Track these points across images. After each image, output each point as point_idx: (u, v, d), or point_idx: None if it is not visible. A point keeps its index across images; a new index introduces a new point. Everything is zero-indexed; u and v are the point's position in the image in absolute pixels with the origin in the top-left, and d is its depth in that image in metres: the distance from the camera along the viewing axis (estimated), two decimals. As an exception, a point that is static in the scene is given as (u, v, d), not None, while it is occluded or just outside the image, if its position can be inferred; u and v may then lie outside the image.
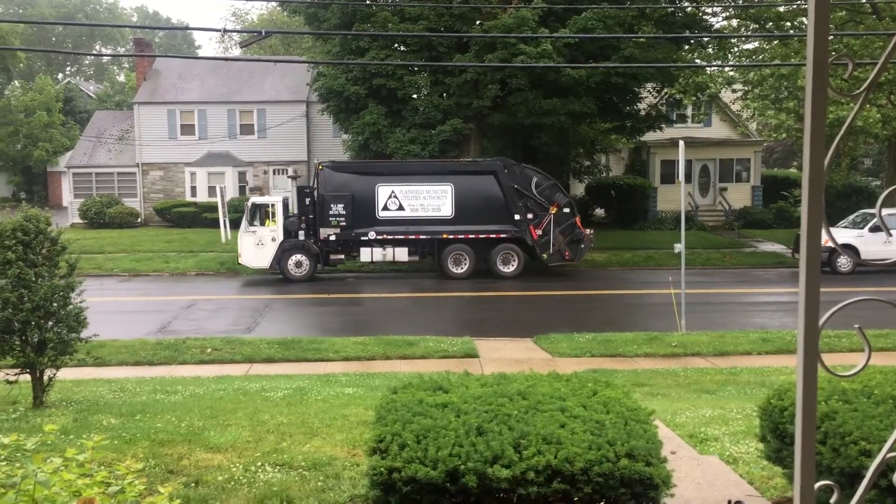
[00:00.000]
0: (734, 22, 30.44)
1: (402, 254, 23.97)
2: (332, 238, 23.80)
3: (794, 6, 26.81)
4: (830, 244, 23.47)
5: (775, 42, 27.32)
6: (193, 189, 39.01)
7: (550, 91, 25.95)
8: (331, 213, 23.65)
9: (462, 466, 4.48)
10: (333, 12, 25.92)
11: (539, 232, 24.02)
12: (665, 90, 33.01)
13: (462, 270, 24.02)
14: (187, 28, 77.60)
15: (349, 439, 7.62)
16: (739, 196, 36.72)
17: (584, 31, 24.08)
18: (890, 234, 2.73)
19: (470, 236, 24.00)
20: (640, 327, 16.20)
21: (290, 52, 56.54)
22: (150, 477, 6.26)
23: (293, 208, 24.79)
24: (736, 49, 29.88)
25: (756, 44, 29.85)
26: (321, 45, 31.02)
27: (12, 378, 9.20)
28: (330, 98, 27.68)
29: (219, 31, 27.52)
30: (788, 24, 27.60)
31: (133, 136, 40.53)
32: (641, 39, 25.02)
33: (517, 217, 23.93)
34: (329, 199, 23.62)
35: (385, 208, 23.83)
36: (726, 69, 30.12)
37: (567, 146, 34.31)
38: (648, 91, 32.80)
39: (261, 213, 24.10)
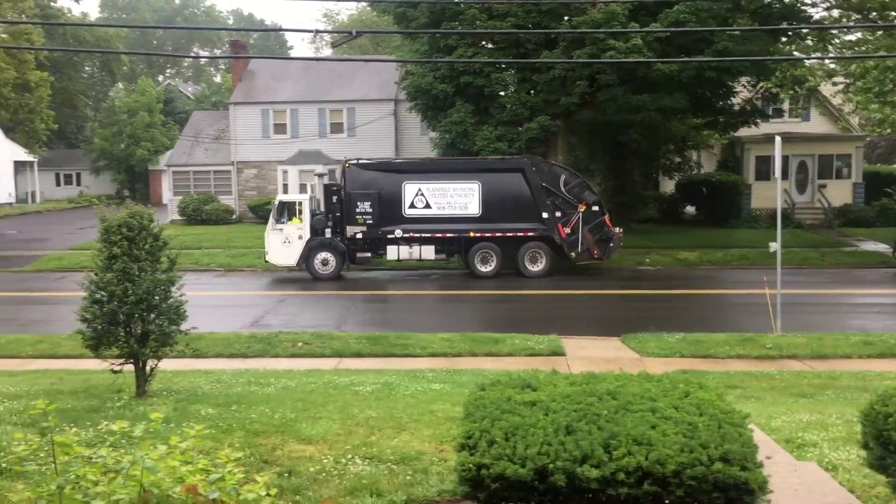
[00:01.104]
0: (835, 12, 29.22)
1: (428, 252, 23.75)
2: (359, 236, 23.75)
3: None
4: None
5: (879, 33, 26.09)
6: (285, 187, 39.93)
7: (640, 87, 25.50)
8: (357, 211, 23.59)
9: (551, 465, 4.46)
10: (422, 11, 26.11)
11: (567, 230, 23.56)
12: (761, 84, 31.98)
13: (489, 269, 23.68)
14: (280, 30, 79.57)
15: (437, 435, 7.68)
16: (839, 193, 35.28)
17: (676, 24, 23.55)
18: None
19: (497, 234, 23.67)
20: (733, 328, 15.77)
21: (379, 51, 57.31)
22: (246, 466, 6.46)
23: (321, 207, 24.78)
24: (837, 40, 28.69)
25: (859, 34, 28.59)
26: (409, 44, 31.32)
27: (117, 368, 9.62)
28: (418, 96, 27.92)
29: (310, 31, 27.98)
30: (894, 13, 26.33)
31: (228, 135, 41.82)
32: (736, 32, 24.30)
33: (545, 215, 23.53)
34: (356, 196, 23.58)
35: (412, 206, 23.69)
36: (826, 61, 28.95)
37: (657, 143, 33.62)
38: (743, 85, 31.84)
39: (288, 211, 24.06)
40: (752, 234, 29.47)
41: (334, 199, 24.07)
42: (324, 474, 6.57)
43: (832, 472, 6.75)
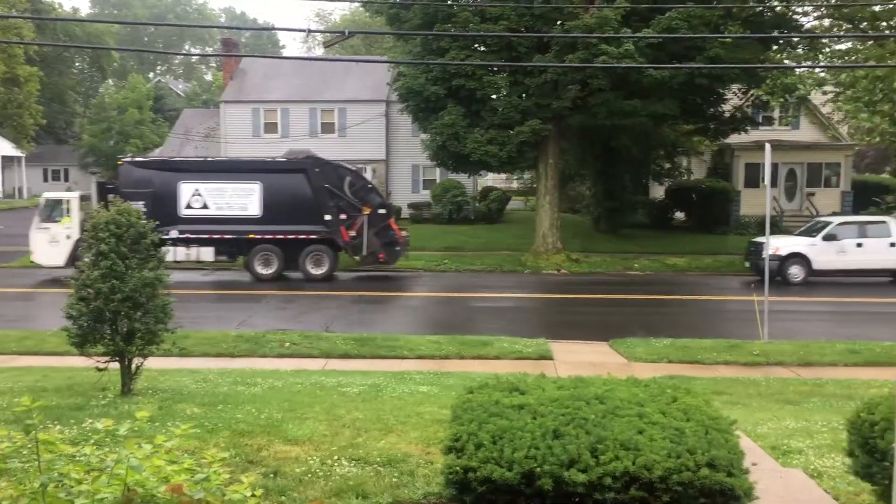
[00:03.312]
0: (826, 22, 29.37)
1: (207, 253, 23.38)
2: None
3: (892, 5, 25.73)
4: (780, 252, 22.77)
5: (870, 42, 26.26)
6: (275, 186, 39.87)
7: (632, 92, 25.58)
8: None
9: (538, 469, 4.46)
10: (415, 13, 26.11)
11: (352, 233, 23.39)
12: (751, 92, 32.11)
13: (270, 271, 23.41)
14: (272, 28, 79.47)
15: (423, 437, 7.67)
16: (828, 201, 35.49)
17: (668, 30, 23.64)
18: None
19: (279, 236, 23.39)
20: (720, 334, 15.83)
21: (372, 52, 57.28)
22: (232, 466, 6.42)
23: (95, 206, 23.86)
24: (827, 49, 28.85)
25: (849, 44, 28.76)
26: (402, 46, 31.32)
27: (102, 365, 9.56)
28: (409, 98, 27.91)
29: (303, 31, 28.09)
30: (884, 24, 26.49)
31: (219, 133, 41.70)
32: (728, 39, 24.37)
33: (328, 217, 23.34)
34: (128, 195, 22.24)
35: (188, 206, 23.27)
36: (817, 70, 29.09)
37: (647, 148, 33.76)
38: (734, 92, 31.99)
39: (56, 210, 23.38)
40: (741, 241, 29.52)
41: (110, 197, 23.30)
42: (310, 475, 6.54)
43: (817, 479, 6.77)
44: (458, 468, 4.60)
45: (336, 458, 6.97)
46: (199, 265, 24.35)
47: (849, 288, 22.80)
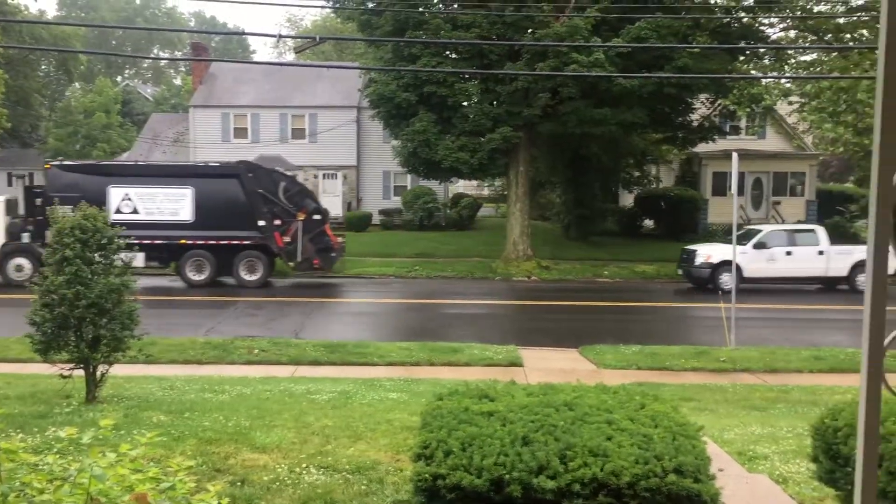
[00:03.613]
0: (791, 33, 29.86)
1: (138, 259, 22.92)
2: None
3: (854, 18, 26.22)
4: (712, 260, 23.09)
5: (834, 54, 26.74)
6: (245, 192, 39.60)
7: (602, 101, 25.79)
8: None
9: (507, 476, 4.46)
10: (386, 19, 26.12)
11: (286, 239, 23.27)
12: (719, 101, 32.55)
13: (202, 277, 23.21)
14: (243, 33, 78.98)
15: (393, 444, 7.64)
16: (793, 210, 36.02)
17: (638, 40, 23.89)
18: None
19: (211, 242, 23.20)
20: (689, 341, 15.98)
21: (343, 58, 57.14)
22: (198, 475, 6.35)
23: (21, 210, 23.95)
24: (793, 60, 29.33)
25: (814, 55, 29.26)
26: (373, 52, 31.29)
27: (66, 373, 9.42)
28: (381, 104, 27.89)
29: (274, 36, 28.00)
30: (848, 35, 26.99)
31: (188, 138, 41.33)
32: (696, 50, 24.71)
33: (262, 223, 23.15)
34: (55, 199, 22.58)
35: (118, 211, 22.75)
36: (782, 81, 29.57)
37: (617, 156, 34.05)
38: (702, 102, 32.40)
39: None
40: (708, 249, 29.91)
41: (38, 202, 22.94)
42: (277, 483, 6.49)
43: (783, 485, 6.85)
44: (427, 475, 4.59)
45: (305, 465, 6.92)
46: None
47: (809, 295, 23.14)
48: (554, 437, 4.77)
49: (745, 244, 23.52)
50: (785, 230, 24.70)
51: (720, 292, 22.26)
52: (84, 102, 55.68)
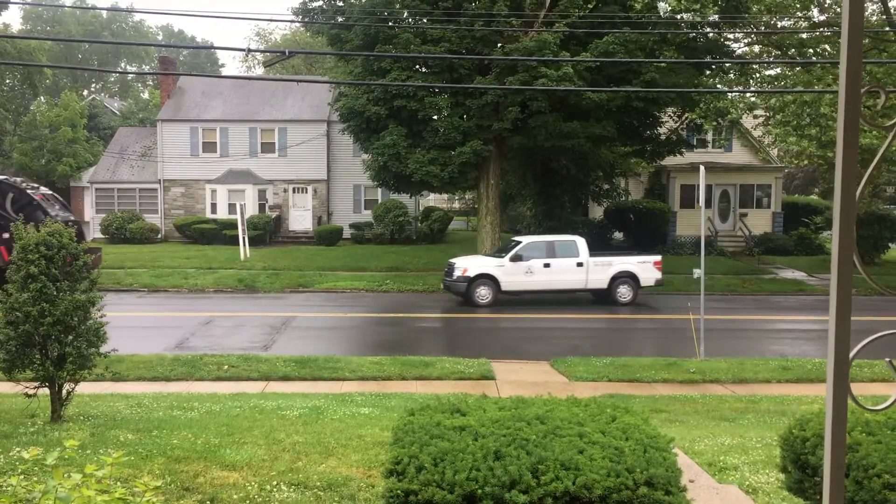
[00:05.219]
0: (756, 48, 30.40)
1: None
2: None
3: (817, 33, 26.75)
4: (469, 273, 22.90)
5: (797, 68, 27.25)
6: (214, 206, 39.32)
7: (571, 114, 26.00)
8: None
9: (479, 491, 4.44)
10: (356, 33, 26.14)
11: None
12: (686, 115, 33.01)
13: None
14: (211, 47, 78.48)
15: (365, 460, 7.59)
16: (760, 222, 36.51)
17: (606, 55, 24.13)
18: None
19: None
20: (659, 352, 16.09)
21: (313, 72, 57.06)
22: (167, 494, 6.25)
23: None
24: (758, 75, 29.84)
25: (778, 70, 29.79)
26: (343, 66, 31.28)
27: (31, 392, 9.24)
28: (351, 118, 27.86)
29: (243, 50, 27.81)
30: (811, 50, 27.53)
31: (155, 152, 40.98)
32: (663, 64, 25.05)
33: None
34: None
35: None
36: (748, 95, 30.06)
37: (586, 169, 34.28)
38: (669, 115, 32.80)
39: None
40: (677, 261, 30.20)
41: None
42: (248, 502, 6.40)
43: (752, 495, 6.90)
44: (399, 491, 4.55)
45: (275, 483, 6.84)
46: None
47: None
48: (526, 451, 4.76)
49: (503, 256, 23.28)
50: (545, 241, 23.89)
51: (476, 306, 22.29)
52: (49, 117, 54.94)
